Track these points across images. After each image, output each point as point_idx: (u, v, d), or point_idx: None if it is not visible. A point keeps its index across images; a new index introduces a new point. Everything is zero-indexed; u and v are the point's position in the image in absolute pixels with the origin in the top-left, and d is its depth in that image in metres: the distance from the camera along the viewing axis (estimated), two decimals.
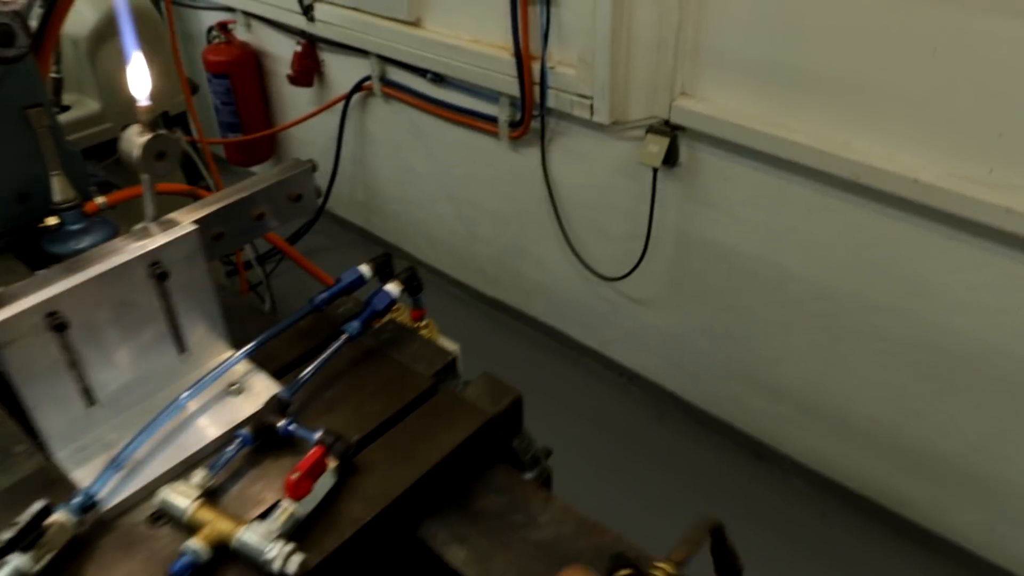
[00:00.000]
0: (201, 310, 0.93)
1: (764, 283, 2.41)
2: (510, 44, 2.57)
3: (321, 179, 3.52)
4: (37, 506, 0.74)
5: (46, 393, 0.84)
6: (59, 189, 1.36)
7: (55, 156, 1.34)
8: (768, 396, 2.59)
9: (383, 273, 1.03)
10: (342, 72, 3.33)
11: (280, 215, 0.99)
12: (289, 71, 3.41)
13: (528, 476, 0.97)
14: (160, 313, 0.90)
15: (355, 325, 0.96)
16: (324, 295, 0.99)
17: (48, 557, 0.74)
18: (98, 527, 0.80)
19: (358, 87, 3.25)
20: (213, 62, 3.49)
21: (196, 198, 1.56)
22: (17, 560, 0.72)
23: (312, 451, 0.79)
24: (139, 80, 0.82)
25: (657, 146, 2.38)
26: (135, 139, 0.85)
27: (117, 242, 0.88)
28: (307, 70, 3.40)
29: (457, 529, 0.87)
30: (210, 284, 0.93)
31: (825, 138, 2.04)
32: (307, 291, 1.09)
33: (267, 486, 0.83)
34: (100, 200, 1.41)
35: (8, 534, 0.72)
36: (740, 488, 2.64)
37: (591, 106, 2.48)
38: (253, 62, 3.66)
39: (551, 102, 2.60)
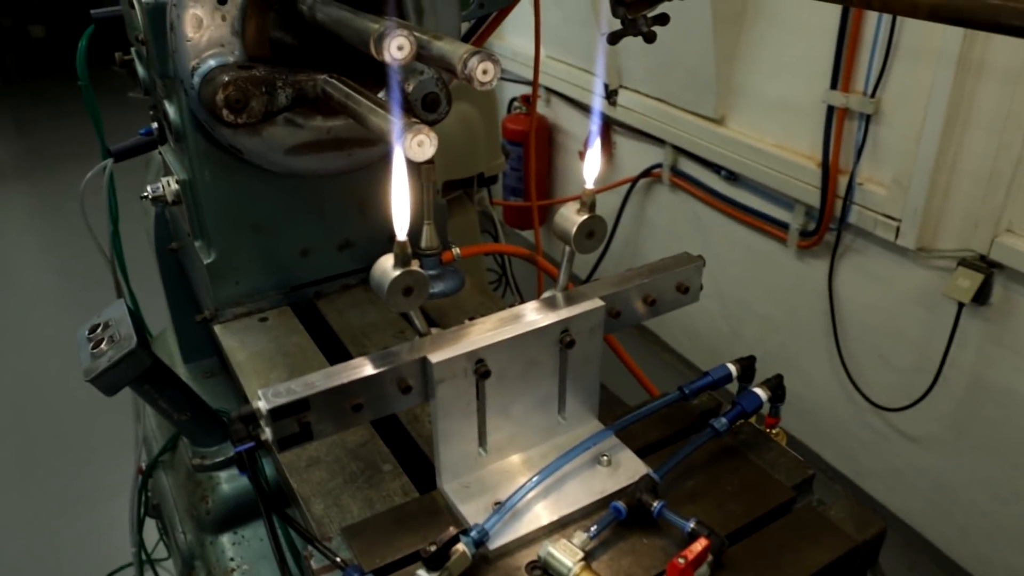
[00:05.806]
0: (585, 380, 1.00)
1: None
2: (818, 154, 2.56)
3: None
4: (451, 532, 0.81)
5: (452, 430, 0.93)
6: (427, 236, 1.50)
7: (431, 207, 1.49)
8: None
9: (746, 375, 1.06)
10: (632, 156, 3.45)
11: (666, 303, 1.04)
12: (580, 148, 3.59)
13: None
14: (555, 376, 0.97)
15: (723, 422, 0.98)
16: (694, 386, 1.02)
17: None
18: (481, 562, 0.87)
19: (646, 173, 3.35)
20: (512, 130, 3.75)
21: (533, 263, 1.67)
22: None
23: (698, 541, 0.81)
24: (591, 167, 0.91)
25: (969, 281, 2.25)
26: (572, 216, 0.93)
27: (531, 305, 0.96)
28: None
29: None
30: (599, 359, 0.99)
31: None
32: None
33: (636, 562, 0.86)
34: (456, 251, 1.55)
35: (427, 551, 0.80)
36: None
37: (897, 228, 2.40)
38: (546, 135, 3.89)
39: (852, 218, 2.54)
